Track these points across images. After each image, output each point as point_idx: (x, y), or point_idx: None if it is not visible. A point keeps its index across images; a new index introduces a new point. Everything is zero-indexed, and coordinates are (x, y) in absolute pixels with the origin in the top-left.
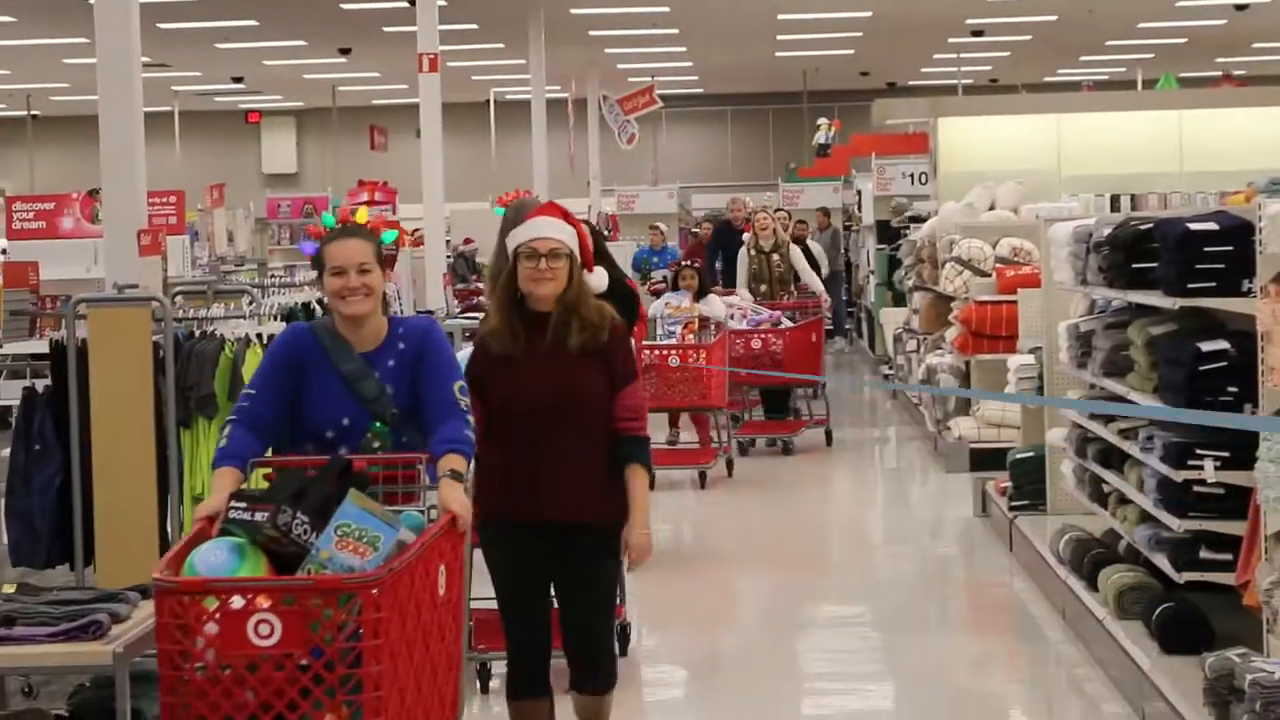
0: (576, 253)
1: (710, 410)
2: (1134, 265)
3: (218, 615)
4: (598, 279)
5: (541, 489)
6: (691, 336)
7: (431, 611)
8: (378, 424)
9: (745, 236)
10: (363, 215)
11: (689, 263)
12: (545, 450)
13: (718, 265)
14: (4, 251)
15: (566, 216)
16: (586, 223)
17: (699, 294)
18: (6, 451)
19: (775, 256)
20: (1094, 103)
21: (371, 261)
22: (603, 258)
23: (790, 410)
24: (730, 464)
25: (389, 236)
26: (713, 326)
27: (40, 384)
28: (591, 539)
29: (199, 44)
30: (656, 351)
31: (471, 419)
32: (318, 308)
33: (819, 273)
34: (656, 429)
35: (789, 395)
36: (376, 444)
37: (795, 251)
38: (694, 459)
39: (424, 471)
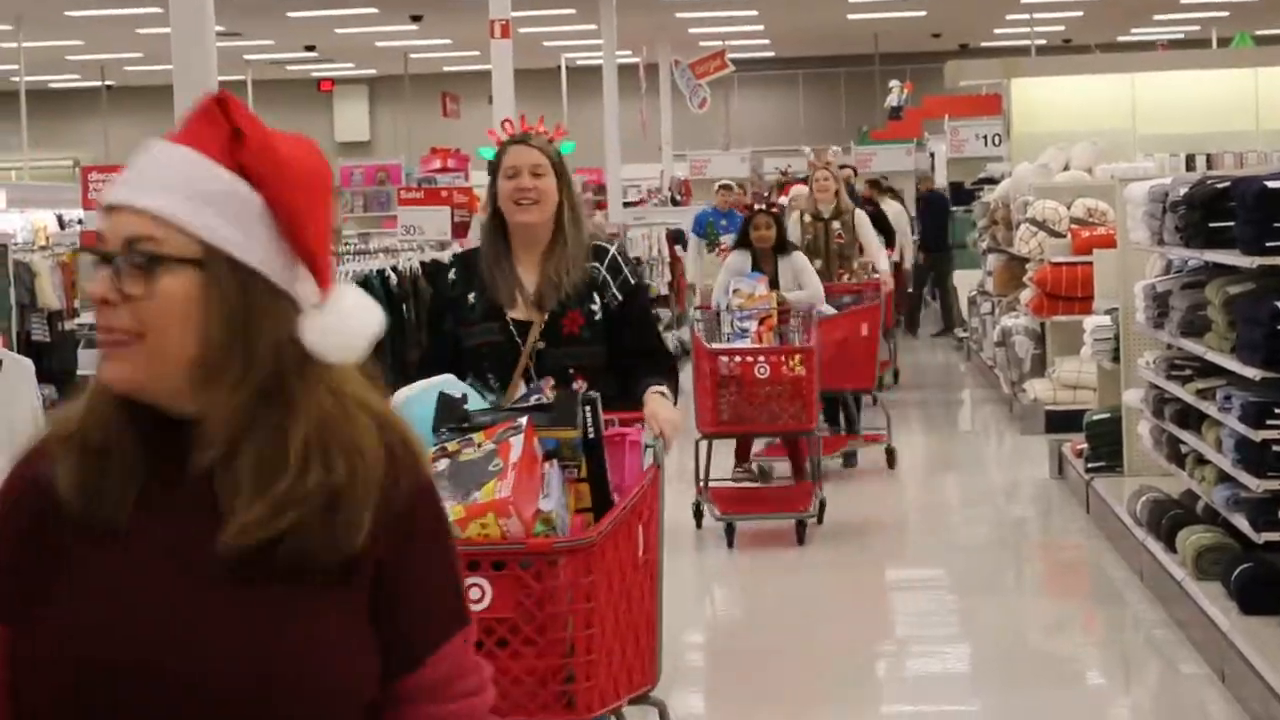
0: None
1: (805, 433)
2: (1211, 224)
3: None
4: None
5: None
6: (770, 336)
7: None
8: None
9: (784, 200)
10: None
11: (763, 207)
12: None
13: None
14: (80, 221)
15: None
16: None
17: (777, 249)
18: None
19: (836, 224)
20: (1168, 62)
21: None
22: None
23: (844, 421)
24: (823, 506)
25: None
26: (797, 321)
27: None
28: None
29: (271, 13)
30: (736, 360)
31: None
32: (392, 275)
33: (891, 245)
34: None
35: (836, 404)
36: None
37: (861, 219)
38: (789, 504)
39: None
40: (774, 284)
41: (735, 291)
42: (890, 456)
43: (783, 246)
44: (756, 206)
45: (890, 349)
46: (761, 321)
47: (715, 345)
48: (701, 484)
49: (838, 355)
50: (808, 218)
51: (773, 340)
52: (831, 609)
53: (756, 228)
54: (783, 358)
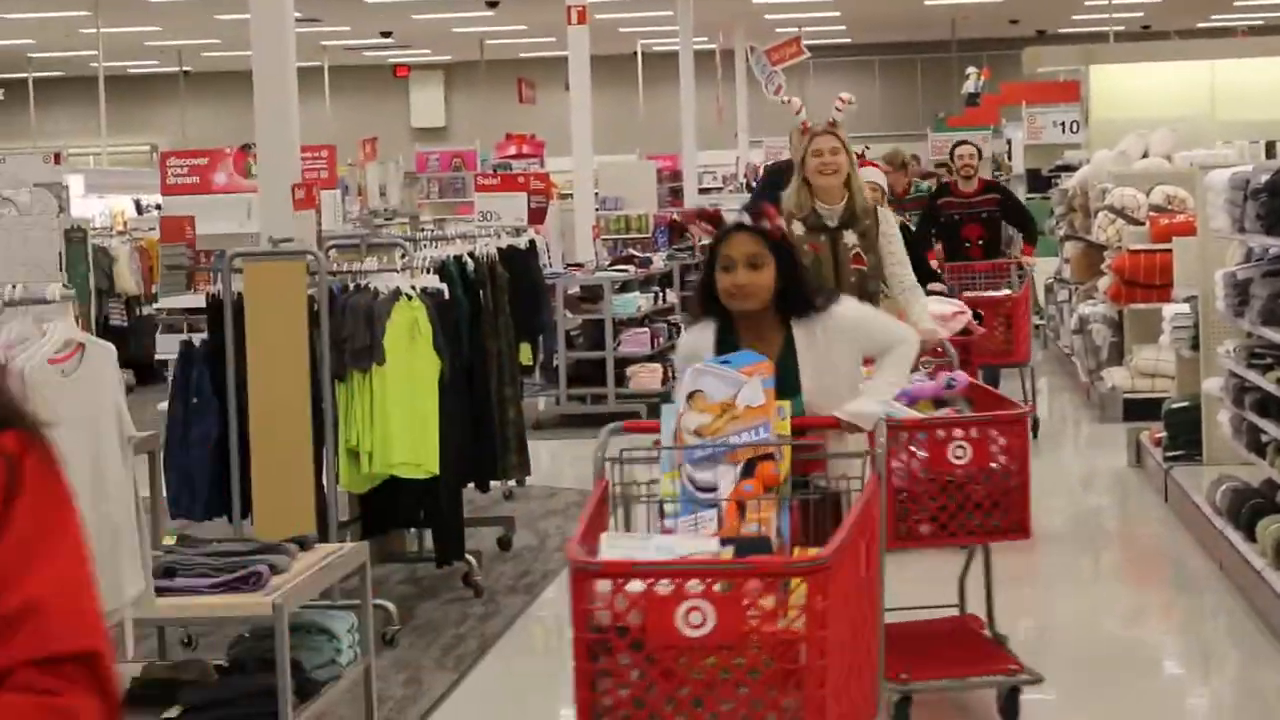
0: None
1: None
2: None
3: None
4: None
5: None
6: (770, 512)
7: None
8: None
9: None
10: None
11: (746, 222)
12: None
13: None
14: (159, 206)
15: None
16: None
17: (790, 303)
18: (165, 405)
19: (850, 238)
20: (1248, 48)
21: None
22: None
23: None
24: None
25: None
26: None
27: (197, 338)
28: None
29: None
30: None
31: None
32: (469, 260)
33: (1031, 242)
34: None
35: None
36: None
37: (889, 229)
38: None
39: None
40: (786, 378)
41: (692, 401)
42: (1034, 426)
43: (799, 296)
44: (700, 226)
45: None
46: (747, 473)
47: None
48: None
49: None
50: (798, 228)
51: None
52: (906, 593)
53: (728, 268)
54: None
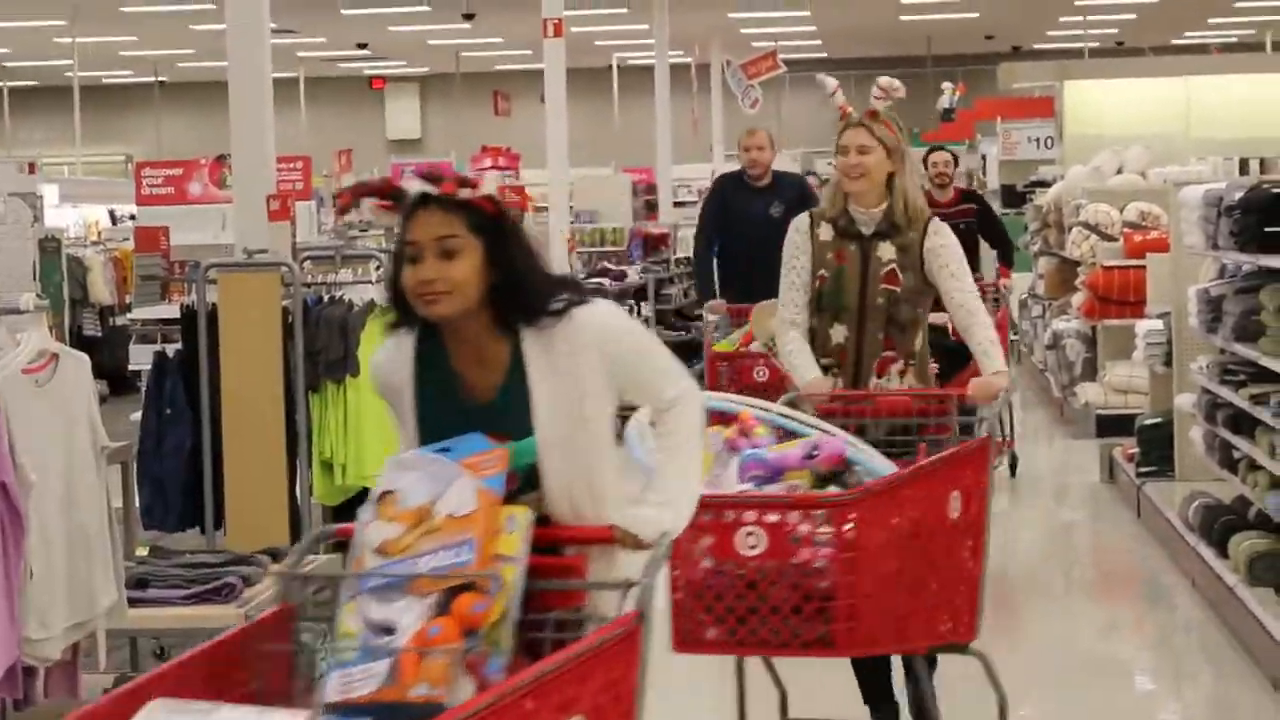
0: None
1: None
2: (1266, 229)
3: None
4: None
5: None
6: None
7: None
8: None
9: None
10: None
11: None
12: None
13: (714, 262)
14: (133, 217)
15: None
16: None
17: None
18: (139, 415)
19: (888, 250)
20: (1222, 65)
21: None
22: None
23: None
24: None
25: None
26: None
27: (171, 349)
28: None
29: (324, 10)
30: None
31: None
32: None
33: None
34: None
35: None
36: None
37: (945, 241)
38: None
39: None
40: (515, 412)
41: (382, 504)
42: (1013, 466)
43: (524, 294)
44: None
45: None
46: (441, 609)
47: None
48: None
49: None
50: (826, 231)
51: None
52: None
53: (414, 258)
54: None
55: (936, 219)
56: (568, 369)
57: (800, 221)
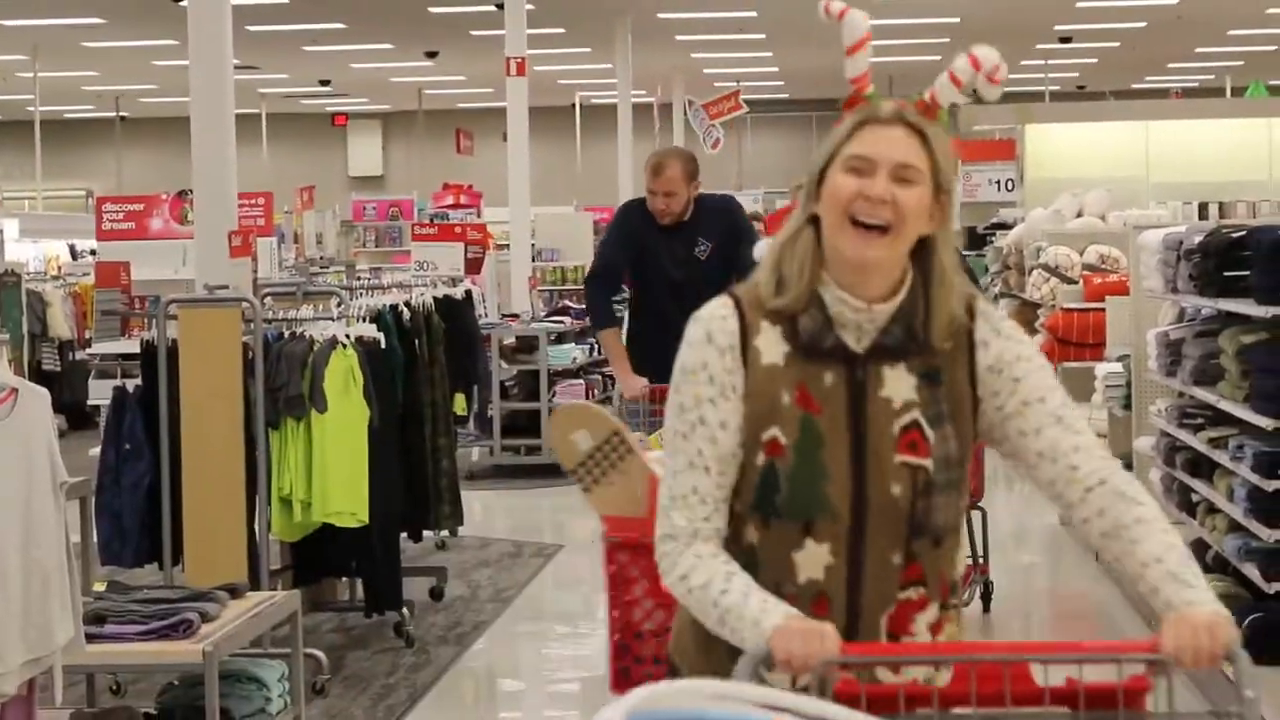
0: None
1: None
2: (1225, 273)
3: None
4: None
5: None
6: None
7: None
8: None
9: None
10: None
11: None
12: None
13: (620, 306)
14: (94, 252)
15: None
16: None
17: None
18: (98, 450)
19: None
20: (1183, 110)
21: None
22: None
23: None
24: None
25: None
26: None
27: (131, 384)
28: None
29: (287, 47)
30: None
31: None
32: (405, 310)
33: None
34: None
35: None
36: None
37: None
38: None
39: None
40: None
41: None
42: (986, 598)
43: None
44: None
45: None
46: None
47: None
48: None
49: None
50: (774, 343)
51: None
52: None
53: None
54: None
55: (981, 299)
56: None
57: (715, 316)
